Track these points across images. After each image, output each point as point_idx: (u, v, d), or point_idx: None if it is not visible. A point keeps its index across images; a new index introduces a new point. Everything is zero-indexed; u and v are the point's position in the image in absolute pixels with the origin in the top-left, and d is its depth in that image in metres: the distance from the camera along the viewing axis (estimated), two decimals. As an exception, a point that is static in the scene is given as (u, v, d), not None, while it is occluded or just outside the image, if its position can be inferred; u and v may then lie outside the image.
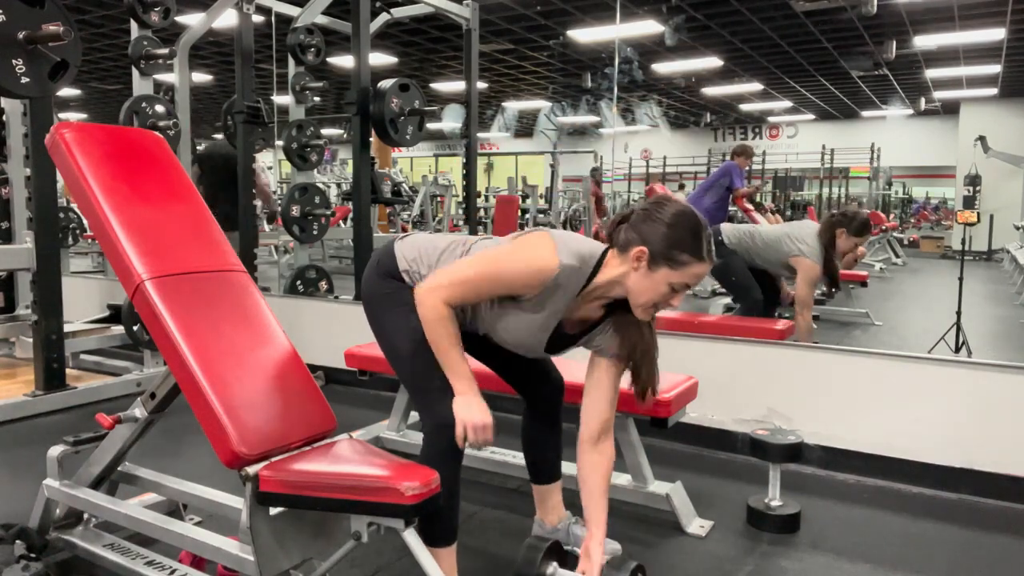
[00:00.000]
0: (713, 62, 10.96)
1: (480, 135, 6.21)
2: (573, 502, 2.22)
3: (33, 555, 1.90)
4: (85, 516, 2.04)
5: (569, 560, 1.85)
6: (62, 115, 14.84)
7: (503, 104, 15.03)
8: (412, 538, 1.54)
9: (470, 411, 1.67)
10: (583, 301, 1.75)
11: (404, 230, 10.59)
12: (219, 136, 6.36)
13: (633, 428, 2.33)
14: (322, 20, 5.48)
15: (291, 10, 5.50)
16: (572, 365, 2.16)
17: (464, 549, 2.12)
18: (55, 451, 1.96)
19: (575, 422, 1.89)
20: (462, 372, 1.71)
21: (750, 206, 7.18)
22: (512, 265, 1.69)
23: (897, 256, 10.98)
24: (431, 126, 5.00)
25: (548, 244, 1.67)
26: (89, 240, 7.29)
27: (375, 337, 1.89)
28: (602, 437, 1.84)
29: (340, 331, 3.92)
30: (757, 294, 4.13)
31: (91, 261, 8.80)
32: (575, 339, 1.84)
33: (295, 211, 4.89)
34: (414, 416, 2.94)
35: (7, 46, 2.89)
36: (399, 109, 4.53)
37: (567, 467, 2.15)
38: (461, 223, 6.04)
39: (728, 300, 5.14)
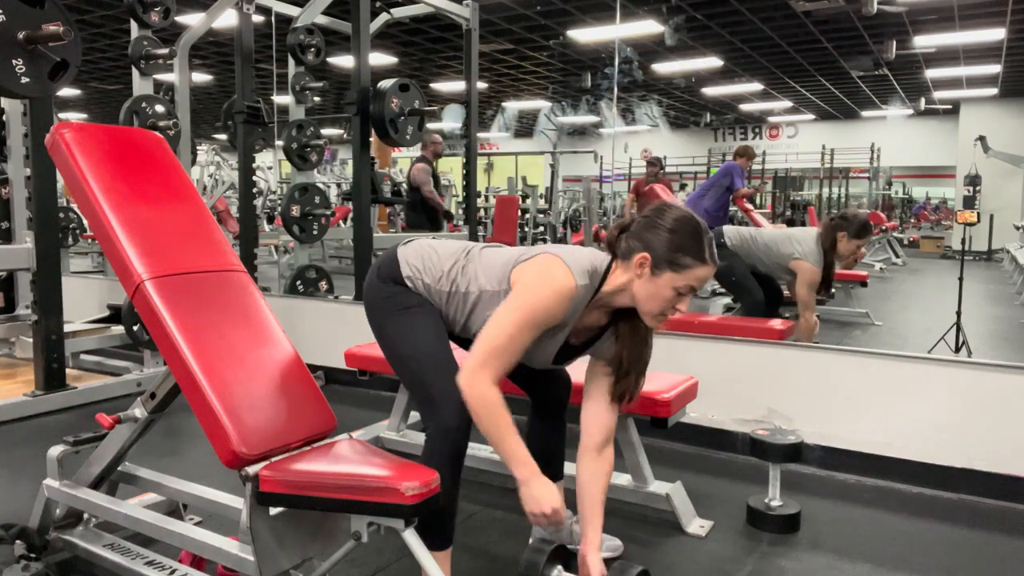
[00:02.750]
0: (713, 62, 10.95)
1: (480, 135, 6.22)
2: (571, 499, 2.23)
3: (33, 555, 1.90)
4: (85, 516, 2.04)
5: (573, 563, 1.85)
6: (62, 115, 14.83)
7: (503, 104, 15.03)
8: (412, 538, 1.54)
9: (538, 501, 1.65)
10: (589, 310, 1.75)
11: (404, 230, 10.58)
12: (221, 136, 6.37)
13: (633, 428, 2.33)
14: (322, 20, 5.49)
15: (291, 10, 5.51)
16: (576, 363, 2.16)
17: (464, 549, 2.13)
18: (55, 451, 1.96)
19: (576, 421, 1.89)
20: (523, 459, 1.67)
21: (750, 206, 7.18)
22: (542, 302, 1.65)
23: (897, 256, 10.98)
24: (431, 126, 4.99)
25: (562, 266, 1.66)
26: (89, 240, 7.28)
27: (377, 341, 1.89)
28: (605, 444, 1.84)
29: (340, 331, 3.92)
30: (758, 295, 4.13)
31: (91, 261, 8.80)
32: (581, 349, 1.85)
33: (295, 211, 4.89)
34: (414, 416, 2.94)
35: (7, 46, 2.89)
36: (399, 109, 4.54)
37: (567, 468, 2.15)
38: (461, 223, 6.04)
39: (728, 300, 5.14)
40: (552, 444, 2.12)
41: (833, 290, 6.34)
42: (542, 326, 1.67)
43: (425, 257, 1.84)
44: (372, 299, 1.89)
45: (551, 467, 2.12)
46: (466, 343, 1.83)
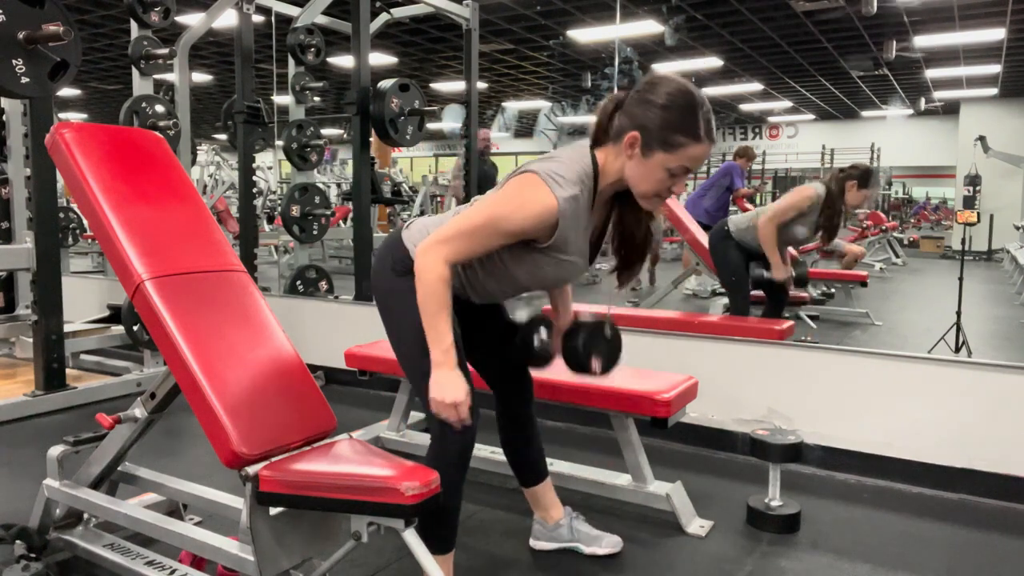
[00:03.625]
0: (713, 62, 10.96)
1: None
2: (570, 499, 2.23)
3: (33, 555, 1.90)
4: (85, 516, 2.04)
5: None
6: (62, 115, 14.83)
7: (503, 104, 15.04)
8: (412, 538, 1.54)
9: (443, 388, 1.57)
10: (596, 209, 1.68)
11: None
12: (221, 136, 6.36)
13: (633, 428, 2.33)
14: (322, 20, 5.48)
15: (291, 10, 5.51)
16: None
17: (464, 549, 2.12)
18: (55, 451, 1.96)
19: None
20: (445, 341, 1.58)
21: (750, 206, 7.19)
22: (512, 211, 1.57)
23: (897, 256, 10.98)
24: (431, 126, 4.99)
25: (538, 184, 1.56)
26: (89, 240, 7.29)
27: (388, 336, 1.84)
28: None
29: (340, 331, 3.92)
30: (746, 298, 4.13)
31: (91, 261, 8.81)
32: (598, 242, 1.77)
33: (295, 211, 4.89)
34: (414, 416, 2.94)
35: (7, 46, 2.89)
36: (399, 109, 4.53)
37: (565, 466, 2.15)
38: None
39: (728, 300, 5.14)
40: (526, 448, 2.09)
41: (833, 290, 6.37)
42: (512, 235, 1.60)
43: (430, 229, 1.76)
44: (385, 292, 1.82)
45: (532, 471, 2.10)
46: (479, 309, 1.88)
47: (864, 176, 3.91)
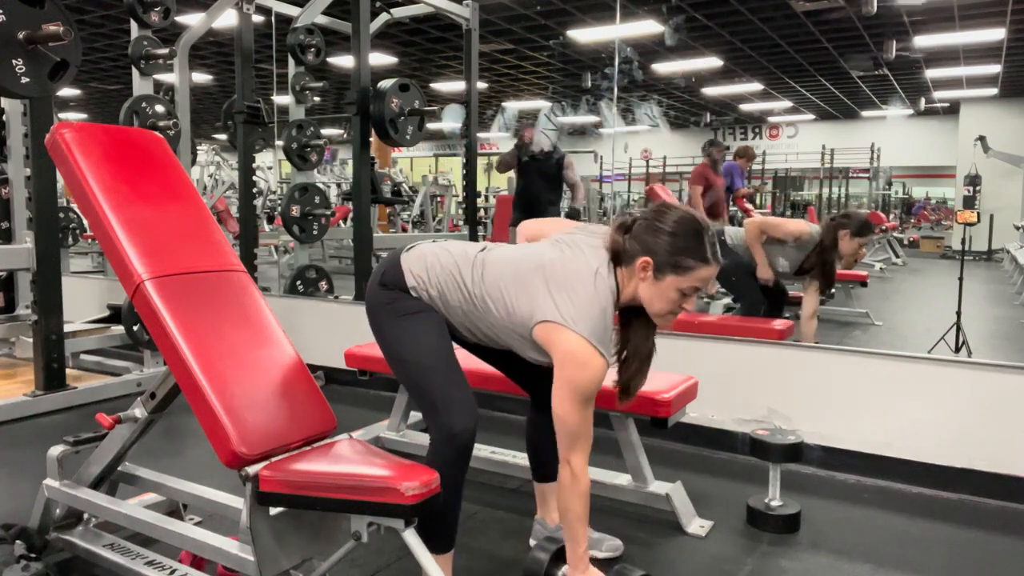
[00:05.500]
0: (713, 62, 10.95)
1: (480, 135, 6.21)
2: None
3: (33, 555, 1.90)
4: (85, 516, 2.04)
5: None
6: (62, 115, 14.83)
7: (503, 104, 15.03)
8: (412, 538, 1.54)
9: None
10: None
11: (404, 230, 10.60)
12: (221, 136, 6.36)
13: (633, 428, 2.33)
14: (322, 20, 5.49)
15: (291, 10, 5.51)
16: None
17: (464, 549, 2.12)
18: (55, 451, 1.96)
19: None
20: (582, 552, 1.72)
21: (750, 206, 7.19)
22: (591, 387, 1.66)
23: (897, 256, 10.98)
24: (431, 126, 5.00)
25: (585, 348, 1.63)
26: (89, 240, 7.29)
27: (379, 347, 1.88)
28: None
29: (340, 331, 3.92)
30: (757, 295, 4.13)
31: (91, 261, 8.81)
32: None
33: (295, 211, 4.89)
34: (414, 416, 2.94)
35: (7, 46, 2.89)
36: (399, 109, 4.53)
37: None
38: (461, 223, 6.04)
39: (728, 300, 5.14)
40: (551, 445, 2.10)
41: (833, 291, 6.37)
42: (595, 395, 1.70)
43: (429, 267, 1.81)
44: (373, 304, 1.87)
45: (549, 468, 2.11)
46: (472, 346, 1.89)
47: (859, 226, 3.88)
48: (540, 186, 5.72)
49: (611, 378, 2.33)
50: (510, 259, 1.80)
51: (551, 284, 1.69)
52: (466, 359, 1.86)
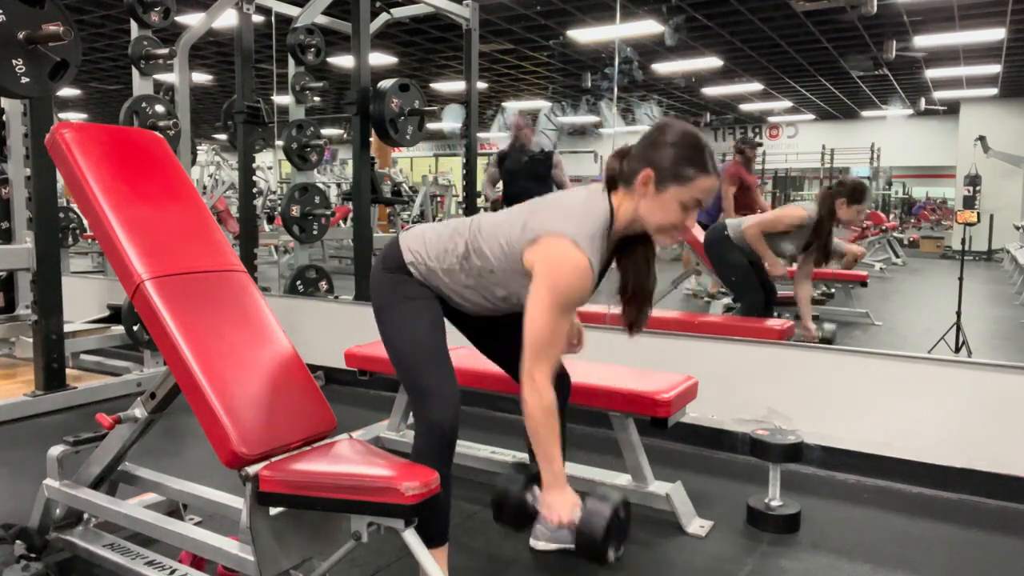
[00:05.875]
0: (713, 62, 10.95)
1: (480, 135, 6.21)
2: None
3: (33, 555, 1.90)
4: (85, 516, 2.04)
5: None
6: (62, 115, 14.83)
7: (503, 104, 15.03)
8: (412, 538, 1.54)
9: (553, 508, 1.72)
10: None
11: (404, 230, 10.59)
12: (221, 136, 6.35)
13: (633, 428, 2.33)
14: (322, 20, 5.49)
15: (291, 10, 5.51)
16: (578, 365, 2.16)
17: (464, 549, 2.13)
18: (55, 451, 1.96)
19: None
20: (558, 469, 1.72)
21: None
22: (568, 289, 1.65)
23: (897, 256, 10.98)
24: (431, 126, 4.99)
25: (571, 248, 1.64)
26: (89, 240, 7.29)
27: (379, 331, 1.88)
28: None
29: (340, 331, 3.92)
30: (758, 294, 4.13)
31: (91, 261, 8.81)
32: (600, 275, 1.82)
33: (295, 211, 4.88)
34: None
35: (7, 46, 2.89)
36: (399, 109, 4.54)
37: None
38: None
39: (728, 300, 5.14)
40: None
41: (833, 290, 6.37)
42: (576, 305, 1.70)
43: (427, 241, 1.85)
44: (376, 287, 1.90)
45: None
46: (476, 326, 1.92)
47: (853, 191, 3.88)
48: (530, 187, 5.63)
49: (612, 379, 2.35)
50: (504, 212, 1.85)
51: (539, 206, 1.76)
52: (468, 359, 1.87)
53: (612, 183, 1.74)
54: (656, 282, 1.83)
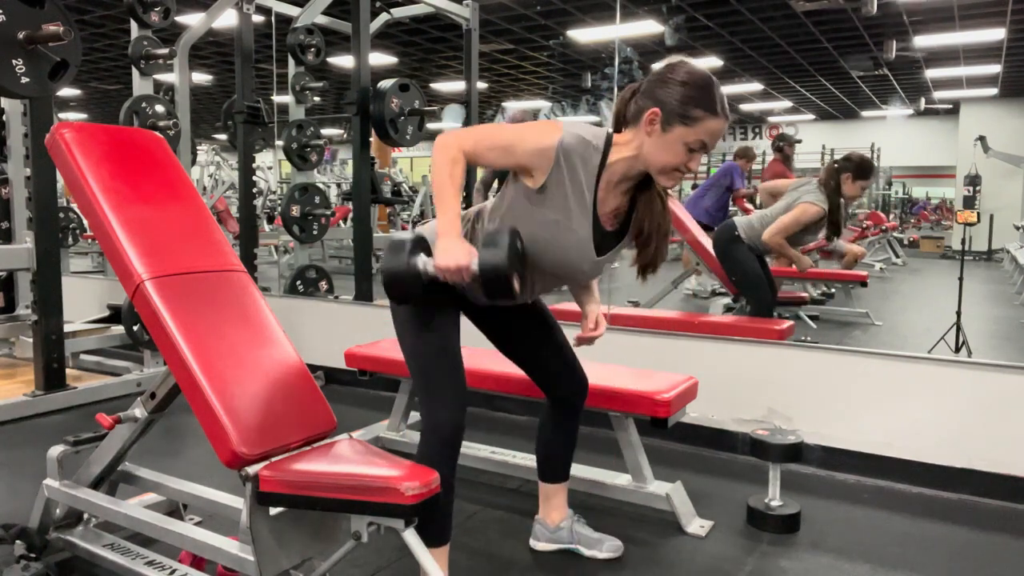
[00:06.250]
0: (713, 62, 10.95)
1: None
2: (570, 499, 2.23)
3: (33, 555, 1.90)
4: (85, 516, 2.04)
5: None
6: (62, 115, 14.83)
7: (503, 104, 15.03)
8: (412, 538, 1.54)
9: (447, 255, 1.57)
10: (608, 190, 1.70)
11: (404, 230, 10.60)
12: (221, 136, 6.34)
13: (633, 428, 2.33)
14: (322, 20, 5.48)
15: (291, 10, 5.51)
16: (595, 368, 2.16)
17: (464, 549, 2.12)
18: (55, 451, 1.96)
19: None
20: (453, 218, 1.61)
21: (750, 206, 7.18)
22: (520, 137, 1.65)
23: (897, 256, 10.98)
24: (431, 126, 4.99)
25: (552, 125, 1.66)
26: (89, 240, 7.29)
27: (394, 325, 1.86)
28: None
29: (340, 331, 3.92)
30: (767, 295, 4.10)
31: (91, 261, 8.81)
32: (619, 235, 1.78)
33: (295, 211, 4.88)
34: (414, 416, 2.94)
35: (7, 46, 2.89)
36: (399, 109, 4.54)
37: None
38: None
39: (728, 300, 5.14)
40: (561, 448, 2.12)
41: (833, 290, 6.36)
42: (516, 157, 1.65)
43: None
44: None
45: (557, 470, 2.12)
46: (494, 322, 1.97)
47: (858, 167, 3.86)
48: None
49: (612, 379, 2.34)
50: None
51: None
52: (468, 359, 1.86)
53: (619, 122, 1.70)
54: (669, 222, 1.78)
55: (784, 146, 6.18)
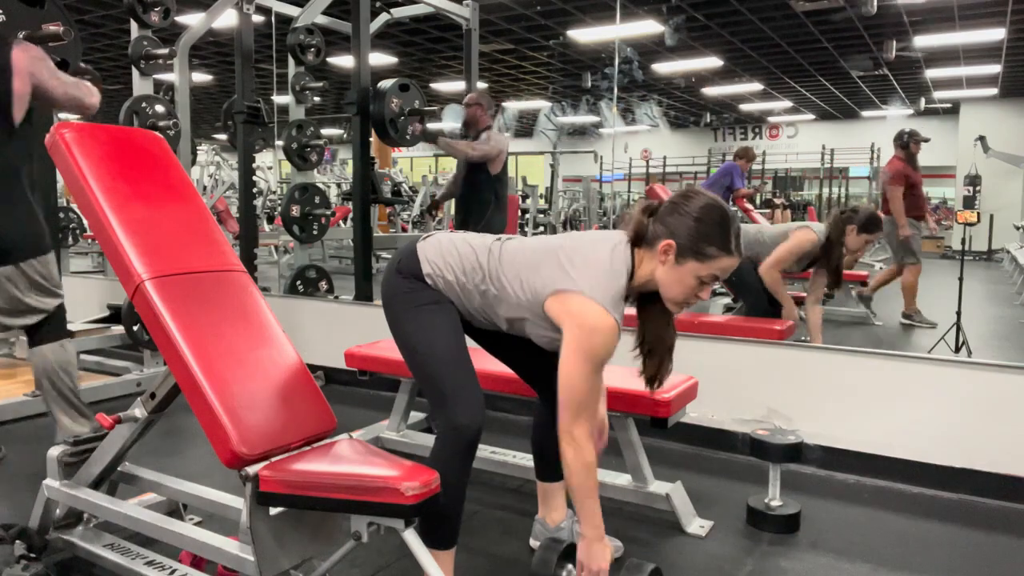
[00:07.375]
0: (713, 62, 10.96)
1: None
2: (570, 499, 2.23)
3: (33, 555, 1.90)
4: (85, 516, 2.04)
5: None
6: (62, 115, 14.82)
7: (503, 104, 15.03)
8: (412, 538, 1.54)
9: (591, 558, 1.71)
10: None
11: (404, 230, 10.59)
12: (221, 136, 6.34)
13: (633, 428, 2.33)
14: (322, 20, 5.48)
15: (291, 10, 5.50)
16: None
17: (464, 549, 2.12)
18: (55, 451, 1.96)
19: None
20: (597, 522, 1.73)
21: (750, 206, 7.19)
22: (598, 350, 1.66)
23: (897, 256, 10.96)
24: (431, 126, 4.98)
25: (596, 308, 1.64)
26: (89, 240, 7.29)
27: (392, 335, 1.87)
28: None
29: (340, 331, 3.92)
30: (761, 296, 4.11)
31: (91, 261, 8.80)
32: None
33: (295, 211, 4.88)
34: (414, 416, 2.94)
35: (7, 46, 2.88)
36: (399, 109, 4.53)
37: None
38: (461, 223, 6.02)
39: (728, 300, 5.14)
40: (555, 445, 2.11)
41: (836, 287, 6.35)
42: (606, 361, 1.71)
43: (446, 254, 1.82)
44: (390, 294, 1.87)
45: (553, 468, 2.12)
46: (486, 339, 1.93)
47: (867, 221, 3.84)
48: (464, 189, 4.60)
49: (612, 379, 2.33)
50: (527, 245, 1.83)
51: (563, 257, 1.72)
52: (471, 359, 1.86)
53: (639, 239, 1.73)
54: (676, 336, 1.82)
55: (910, 143, 5.56)
